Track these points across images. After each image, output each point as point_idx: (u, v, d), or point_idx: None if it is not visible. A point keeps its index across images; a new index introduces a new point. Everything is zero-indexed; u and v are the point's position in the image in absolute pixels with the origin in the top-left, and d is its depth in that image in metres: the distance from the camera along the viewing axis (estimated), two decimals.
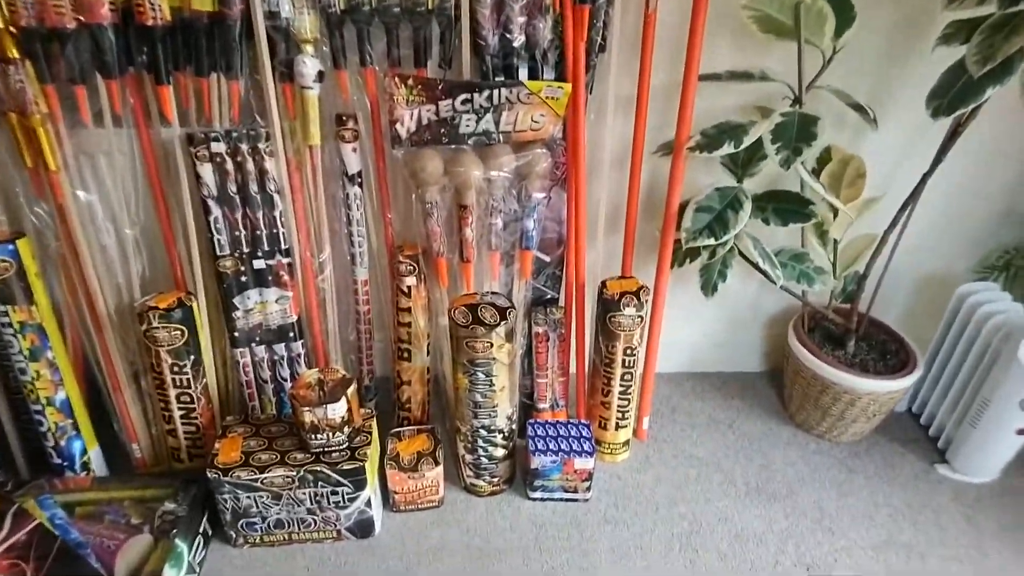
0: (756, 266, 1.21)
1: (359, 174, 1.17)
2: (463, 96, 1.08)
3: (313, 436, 1.10)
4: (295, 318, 1.24)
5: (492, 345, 1.09)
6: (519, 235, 1.23)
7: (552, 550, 1.19)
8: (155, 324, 1.13)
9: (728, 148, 1.10)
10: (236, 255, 1.16)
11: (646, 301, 1.19)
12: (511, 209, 1.20)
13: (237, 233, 1.14)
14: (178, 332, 1.15)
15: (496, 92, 1.08)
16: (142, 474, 1.29)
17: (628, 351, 1.23)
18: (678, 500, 1.30)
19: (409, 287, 1.23)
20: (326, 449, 1.12)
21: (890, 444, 1.43)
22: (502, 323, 1.09)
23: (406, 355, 1.30)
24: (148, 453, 1.28)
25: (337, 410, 1.08)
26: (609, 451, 1.36)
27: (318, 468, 1.10)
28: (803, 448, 1.43)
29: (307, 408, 1.07)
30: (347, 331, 1.32)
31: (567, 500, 1.28)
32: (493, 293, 1.18)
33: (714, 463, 1.38)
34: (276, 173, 1.13)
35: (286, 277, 1.20)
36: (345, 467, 1.11)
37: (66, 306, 1.17)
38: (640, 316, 1.20)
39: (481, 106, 1.09)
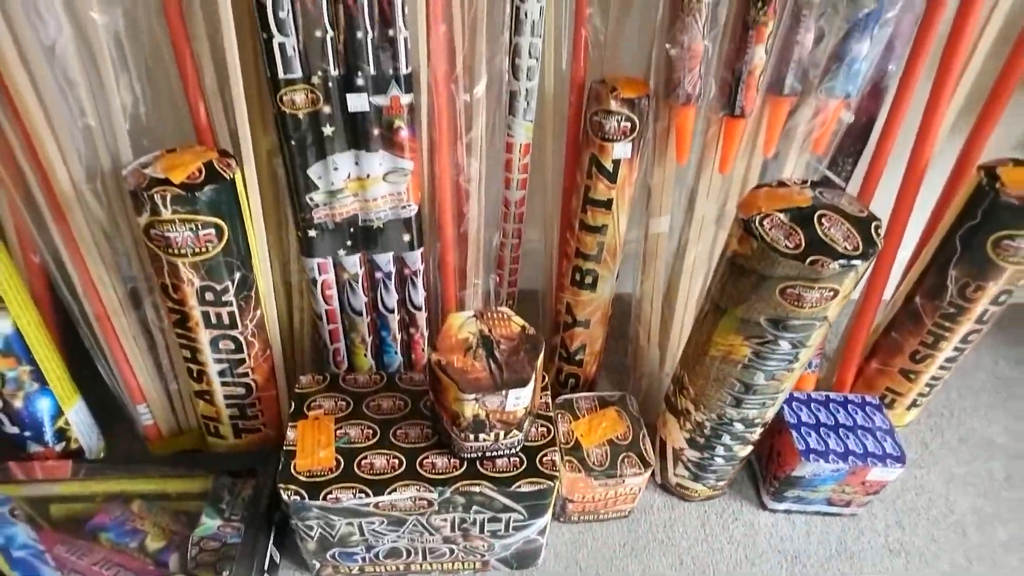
0: None
1: None
2: None
3: (471, 437, 0.60)
4: (414, 209, 0.68)
5: (836, 294, 0.56)
6: (828, 68, 0.65)
7: None
8: (166, 213, 0.57)
9: None
10: (315, 80, 0.59)
11: None
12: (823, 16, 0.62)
13: (320, 35, 0.57)
14: (211, 230, 0.60)
15: None
16: (160, 456, 0.80)
17: (1002, 296, 0.70)
18: (991, 517, 0.84)
19: (616, 163, 0.68)
20: (487, 455, 0.63)
21: None
22: (871, 252, 0.55)
23: (589, 281, 0.77)
24: (164, 419, 0.78)
25: (522, 398, 0.57)
26: None
27: (476, 488, 0.61)
28: None
29: (473, 396, 0.56)
30: (491, 232, 0.78)
31: (827, 514, 0.82)
32: (822, 185, 0.62)
33: None
34: None
35: (404, 132, 0.63)
36: (523, 488, 0.62)
37: None
38: None
39: None
